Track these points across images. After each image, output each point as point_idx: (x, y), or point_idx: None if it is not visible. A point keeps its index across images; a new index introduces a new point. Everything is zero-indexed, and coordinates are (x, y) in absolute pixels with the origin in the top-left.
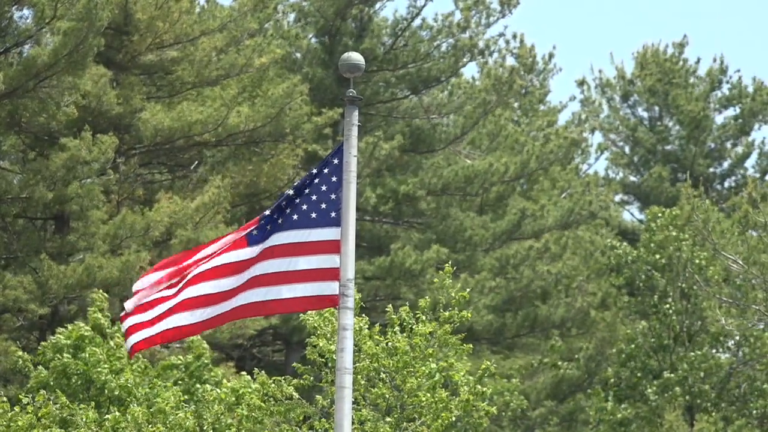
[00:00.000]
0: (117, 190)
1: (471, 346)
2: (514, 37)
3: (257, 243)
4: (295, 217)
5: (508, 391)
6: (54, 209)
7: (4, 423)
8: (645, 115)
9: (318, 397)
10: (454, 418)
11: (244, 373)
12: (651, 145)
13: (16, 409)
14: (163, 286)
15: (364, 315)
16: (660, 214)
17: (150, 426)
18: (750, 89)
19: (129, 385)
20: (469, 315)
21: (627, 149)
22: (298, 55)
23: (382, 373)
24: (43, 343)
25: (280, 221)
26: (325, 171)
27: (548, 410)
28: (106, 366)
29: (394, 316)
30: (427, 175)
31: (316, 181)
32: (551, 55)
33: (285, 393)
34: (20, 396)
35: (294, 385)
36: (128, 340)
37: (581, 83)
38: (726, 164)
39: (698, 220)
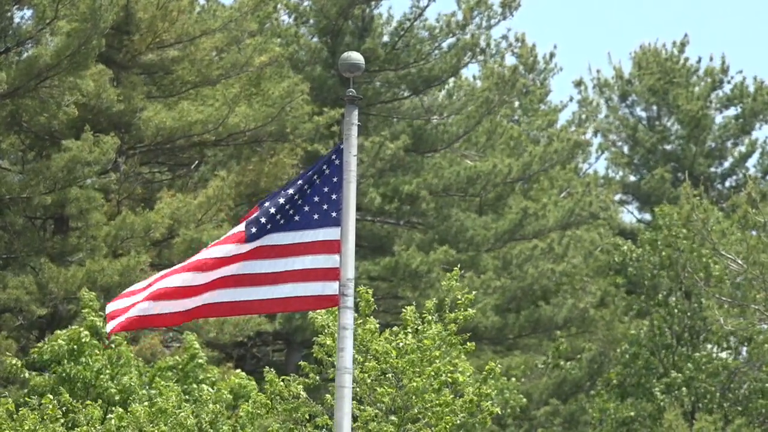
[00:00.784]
0: (117, 190)
1: (474, 344)
2: (517, 39)
3: (255, 239)
4: (297, 218)
5: (507, 389)
6: (53, 210)
7: (10, 424)
8: (643, 114)
9: (327, 396)
10: (457, 421)
11: (239, 371)
12: (651, 145)
13: (24, 410)
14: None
15: (373, 317)
16: (669, 213)
17: (152, 425)
18: (751, 89)
19: (132, 384)
20: (473, 313)
21: (626, 149)
22: (302, 53)
23: (389, 374)
24: (38, 344)
25: (282, 221)
26: (327, 171)
27: (551, 410)
28: (108, 371)
29: (408, 318)
30: (429, 175)
31: (318, 181)
32: (552, 55)
33: (292, 392)
34: (24, 399)
35: (302, 383)
36: (110, 323)
37: (579, 84)
38: (727, 164)
39: (697, 219)
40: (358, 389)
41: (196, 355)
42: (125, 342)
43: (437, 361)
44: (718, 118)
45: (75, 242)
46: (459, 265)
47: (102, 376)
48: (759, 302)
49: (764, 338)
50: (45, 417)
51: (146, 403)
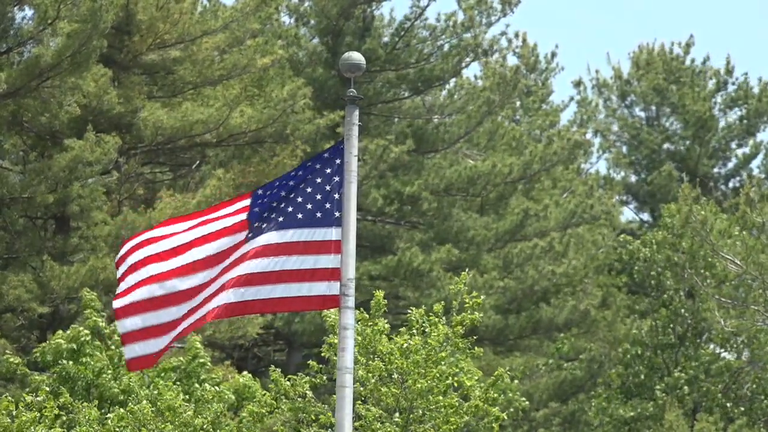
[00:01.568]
0: (118, 190)
1: (482, 350)
2: (516, 36)
3: (255, 238)
4: (300, 216)
5: (510, 390)
6: (55, 209)
7: (10, 422)
8: (642, 115)
9: (334, 396)
10: (462, 424)
11: (245, 373)
12: (656, 145)
13: (20, 406)
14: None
15: (386, 318)
16: (675, 212)
17: (154, 425)
18: (756, 90)
19: (132, 384)
20: (479, 317)
21: (624, 149)
22: (301, 55)
23: (395, 374)
24: (41, 344)
25: (283, 220)
26: (328, 171)
27: (551, 411)
28: (109, 371)
29: (413, 318)
30: (430, 175)
31: (320, 180)
32: (553, 54)
33: (298, 391)
34: (25, 395)
35: (308, 382)
36: (131, 347)
37: (578, 84)
38: (731, 165)
39: (696, 220)
40: (362, 389)
41: (198, 355)
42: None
43: (443, 362)
44: (723, 119)
45: (76, 242)
46: (457, 265)
47: (104, 376)
48: (758, 303)
49: (766, 338)
50: (42, 415)
51: (145, 403)
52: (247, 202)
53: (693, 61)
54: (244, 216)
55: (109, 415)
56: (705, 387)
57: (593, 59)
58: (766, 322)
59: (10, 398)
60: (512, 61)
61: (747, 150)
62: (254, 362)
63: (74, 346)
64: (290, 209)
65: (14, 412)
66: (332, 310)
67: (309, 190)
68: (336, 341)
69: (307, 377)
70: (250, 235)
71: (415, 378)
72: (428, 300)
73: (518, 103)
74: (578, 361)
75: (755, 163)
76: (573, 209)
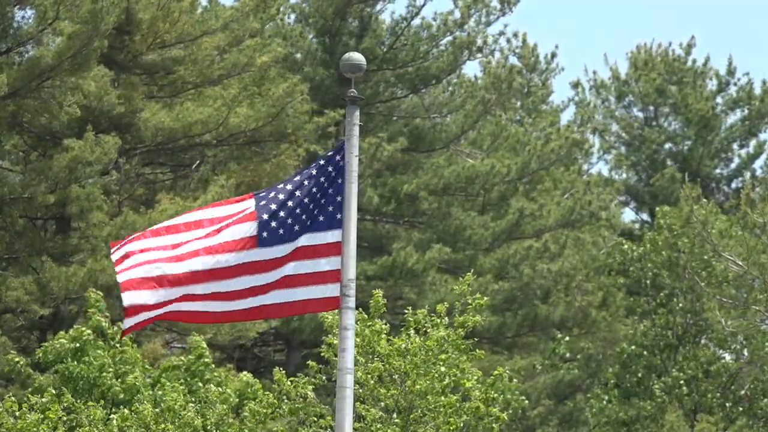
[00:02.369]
0: (118, 191)
1: (483, 352)
2: (515, 35)
3: (269, 245)
4: (309, 222)
5: (509, 390)
6: (55, 210)
7: (12, 423)
8: (640, 115)
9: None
10: (462, 424)
11: (245, 373)
12: (657, 145)
13: (24, 407)
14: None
15: (383, 319)
16: (670, 213)
17: (157, 425)
18: (758, 91)
19: (137, 384)
20: (480, 320)
21: (623, 149)
22: (299, 55)
23: (394, 375)
24: (44, 344)
25: (296, 227)
26: (333, 173)
27: (548, 410)
28: (111, 369)
29: (411, 319)
30: (428, 174)
31: (324, 183)
32: (553, 55)
33: (300, 392)
34: (28, 396)
35: (308, 382)
36: (130, 319)
37: (576, 85)
38: (733, 165)
39: (697, 221)
40: (361, 390)
41: (203, 355)
42: (131, 342)
43: (441, 363)
44: (725, 120)
45: (76, 242)
46: (454, 264)
47: (105, 374)
48: (759, 303)
49: (765, 338)
50: (45, 416)
51: (147, 403)
52: (250, 202)
53: (695, 61)
54: (254, 229)
55: (112, 415)
56: (704, 387)
57: (591, 60)
58: (766, 322)
59: (13, 399)
60: (513, 61)
61: (750, 150)
62: (254, 362)
63: (77, 345)
64: (303, 215)
65: (17, 413)
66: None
67: (316, 193)
68: (335, 342)
69: (307, 378)
70: (264, 236)
71: (415, 378)
72: (425, 300)
73: (518, 104)
74: (576, 360)
75: (758, 164)
76: (571, 206)
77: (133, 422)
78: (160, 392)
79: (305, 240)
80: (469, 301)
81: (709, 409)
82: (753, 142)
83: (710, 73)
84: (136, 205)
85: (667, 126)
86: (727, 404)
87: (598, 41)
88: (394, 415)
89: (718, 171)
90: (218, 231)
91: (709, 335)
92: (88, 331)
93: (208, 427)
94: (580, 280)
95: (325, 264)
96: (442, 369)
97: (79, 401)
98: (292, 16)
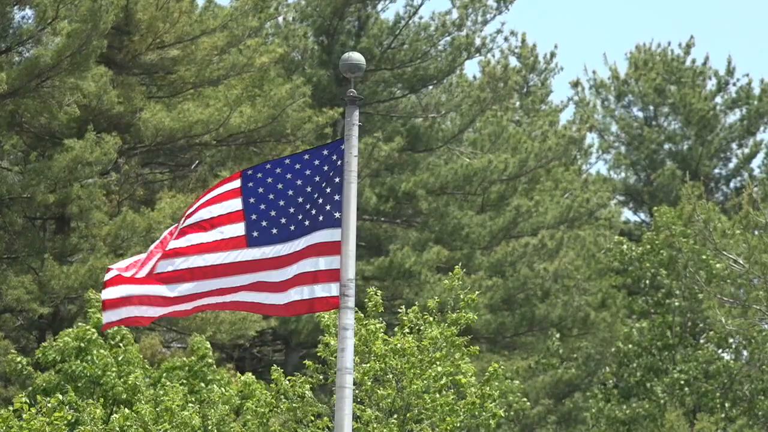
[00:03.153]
0: (118, 190)
1: (478, 348)
2: (512, 33)
3: (261, 245)
4: (307, 222)
5: (511, 392)
6: (54, 210)
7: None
8: (640, 115)
9: (335, 397)
10: (458, 424)
11: (248, 374)
12: (657, 145)
13: (33, 410)
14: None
15: (380, 318)
16: (668, 213)
17: (156, 425)
18: (756, 91)
19: (138, 383)
20: (475, 317)
21: (623, 149)
22: (297, 55)
23: (389, 374)
24: (44, 344)
25: (292, 227)
26: (328, 170)
27: (546, 409)
28: (114, 369)
29: (404, 318)
30: (425, 174)
31: (319, 181)
32: (552, 55)
33: (297, 392)
34: (38, 397)
35: (306, 381)
36: (112, 311)
37: (575, 84)
38: (732, 165)
39: (699, 220)
40: (357, 391)
41: (206, 356)
42: (132, 341)
43: (438, 362)
44: (723, 120)
45: (75, 242)
46: (452, 263)
47: (108, 374)
48: (760, 302)
49: (764, 338)
50: (52, 419)
51: (145, 403)
52: (237, 183)
53: (694, 61)
54: (242, 230)
55: (114, 415)
56: (704, 387)
57: (591, 60)
58: (767, 321)
59: (25, 400)
60: (512, 61)
61: (747, 150)
62: (253, 362)
63: (80, 345)
64: (299, 215)
65: (24, 415)
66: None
67: (311, 192)
68: (331, 341)
69: (304, 377)
70: (255, 235)
71: (411, 378)
72: (422, 299)
73: (518, 104)
74: (574, 360)
75: (755, 163)
76: (569, 204)
77: (134, 422)
78: (161, 392)
79: (306, 241)
80: (461, 297)
81: (709, 408)
82: (751, 142)
83: (709, 72)
84: (136, 204)
85: (667, 126)
86: (727, 404)
87: (599, 41)
88: (393, 416)
89: (717, 171)
90: (206, 229)
91: (709, 334)
92: (92, 330)
93: (209, 427)
94: (579, 280)
95: (323, 263)
96: (439, 369)
97: (80, 400)
98: (290, 16)
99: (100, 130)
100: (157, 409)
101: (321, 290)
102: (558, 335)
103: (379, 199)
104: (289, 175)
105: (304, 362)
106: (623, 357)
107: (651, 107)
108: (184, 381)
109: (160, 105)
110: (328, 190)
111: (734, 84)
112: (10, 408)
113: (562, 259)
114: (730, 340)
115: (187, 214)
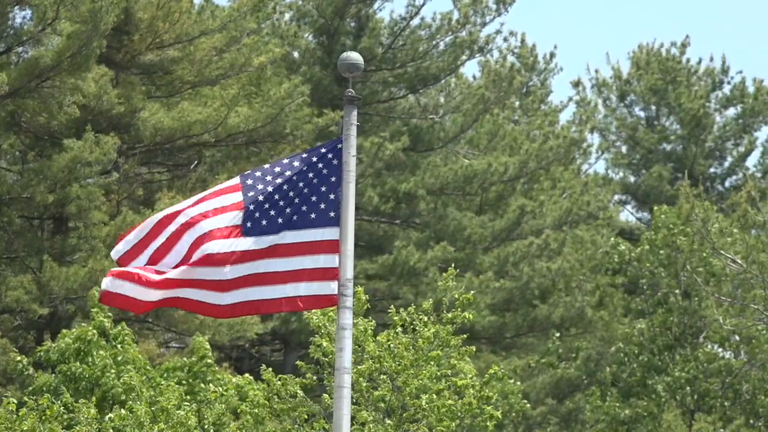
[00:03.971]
0: (117, 190)
1: (474, 348)
2: (512, 34)
3: (252, 235)
4: (294, 217)
5: (512, 393)
6: (53, 210)
7: (10, 424)
8: (642, 114)
9: (325, 396)
10: (455, 426)
11: (241, 376)
12: (651, 144)
13: (23, 410)
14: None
15: (370, 317)
16: (667, 212)
17: (152, 425)
18: (751, 89)
19: (133, 383)
20: (472, 316)
21: (624, 149)
22: (296, 54)
23: (383, 375)
24: (43, 344)
25: (280, 220)
26: (325, 171)
27: (547, 409)
28: (113, 370)
29: (396, 318)
30: (425, 174)
31: (315, 180)
32: (552, 55)
33: (290, 391)
34: (26, 398)
35: (298, 383)
36: (114, 282)
37: (577, 84)
38: (727, 164)
39: (697, 219)
40: (352, 392)
41: (205, 356)
42: (132, 342)
43: (433, 362)
44: (719, 119)
45: (75, 242)
46: (455, 264)
47: (108, 374)
48: (758, 301)
49: (764, 337)
50: (44, 418)
51: (143, 403)
52: (236, 181)
53: (689, 60)
54: (239, 219)
55: (110, 414)
56: (703, 387)
57: (592, 59)
58: (765, 321)
59: (14, 400)
60: (511, 61)
61: (742, 149)
62: (252, 362)
63: (80, 346)
64: (287, 209)
65: (19, 412)
66: (315, 311)
67: (305, 189)
68: (322, 342)
69: (298, 378)
70: (249, 225)
71: (406, 378)
72: (422, 299)
73: (517, 104)
74: (574, 359)
75: (751, 162)
76: (569, 206)
77: (129, 422)
78: (156, 391)
79: (292, 237)
80: (456, 296)
81: (709, 408)
82: (746, 140)
83: (704, 71)
84: (135, 204)
85: (668, 125)
86: (726, 403)
87: (599, 41)
88: (390, 418)
89: (712, 170)
90: (204, 218)
91: (707, 335)
92: (93, 331)
93: (206, 427)
94: (579, 280)
95: (321, 261)
96: (434, 369)
97: (76, 401)
98: (287, 15)
99: (100, 129)
100: (152, 409)
101: (318, 288)
102: (558, 335)
103: (380, 199)
104: (288, 172)
105: (296, 363)
106: (623, 357)
107: (653, 107)
108: (184, 381)
109: (159, 105)
110: (323, 188)
111: (728, 83)
112: (6, 408)
113: (565, 259)
114: (731, 341)
115: (184, 206)
